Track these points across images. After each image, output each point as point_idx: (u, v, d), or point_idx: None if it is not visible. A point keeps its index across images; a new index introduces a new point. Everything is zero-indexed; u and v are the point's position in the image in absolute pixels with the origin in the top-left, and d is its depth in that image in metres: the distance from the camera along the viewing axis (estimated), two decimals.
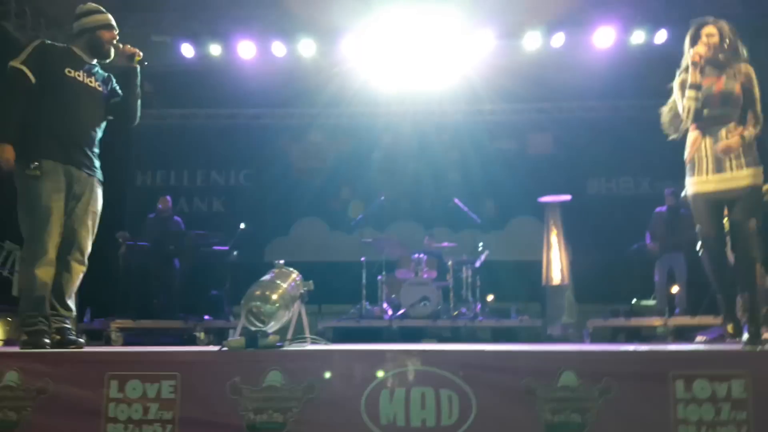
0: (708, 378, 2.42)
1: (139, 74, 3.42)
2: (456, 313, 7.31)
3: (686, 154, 3.46)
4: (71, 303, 3.27)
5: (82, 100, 3.28)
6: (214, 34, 8.00)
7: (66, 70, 3.22)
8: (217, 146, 9.75)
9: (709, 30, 3.46)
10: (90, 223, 3.29)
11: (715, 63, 3.41)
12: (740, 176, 3.24)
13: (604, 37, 7.85)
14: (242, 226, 7.55)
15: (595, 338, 6.80)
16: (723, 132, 3.30)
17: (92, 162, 3.32)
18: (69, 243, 3.20)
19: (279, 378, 2.46)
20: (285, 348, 2.68)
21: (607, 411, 2.40)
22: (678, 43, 8.26)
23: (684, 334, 6.41)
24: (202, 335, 6.89)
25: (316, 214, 9.63)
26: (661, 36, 7.80)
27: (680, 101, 3.44)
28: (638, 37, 7.86)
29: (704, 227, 3.39)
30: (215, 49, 8.05)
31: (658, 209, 7.42)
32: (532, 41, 7.92)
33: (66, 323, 3.20)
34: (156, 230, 7.50)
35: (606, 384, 2.42)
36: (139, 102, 3.46)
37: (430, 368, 2.45)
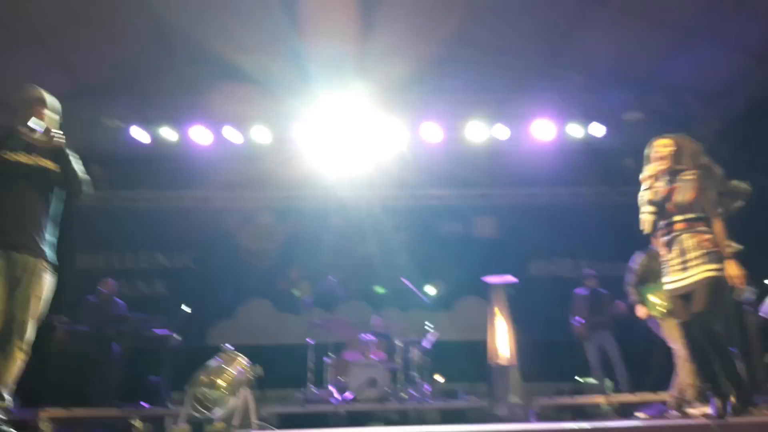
0: None
1: (65, 150, 3.32)
2: (405, 395, 7.22)
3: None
4: (5, 392, 3.11)
5: (20, 182, 3.23)
6: (167, 118, 8.15)
7: (3, 153, 3.20)
8: (164, 228, 9.63)
9: (662, 142, 3.83)
10: (31, 307, 3.18)
11: (671, 173, 3.73)
12: (700, 271, 3.58)
13: (543, 129, 8.46)
14: (185, 308, 7.37)
15: (542, 417, 6.81)
16: (685, 237, 3.63)
17: (36, 244, 3.25)
18: (8, 328, 3.08)
19: None
20: None
21: None
22: (612, 137, 8.92)
23: (627, 411, 6.52)
24: (138, 424, 6.53)
25: (263, 296, 9.52)
26: (597, 130, 8.44)
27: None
28: (575, 130, 8.49)
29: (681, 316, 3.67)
30: (167, 133, 8.17)
31: (578, 291, 7.76)
32: (477, 132, 8.45)
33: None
34: (96, 314, 7.24)
35: None
36: (78, 176, 3.38)
37: None
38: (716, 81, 8.15)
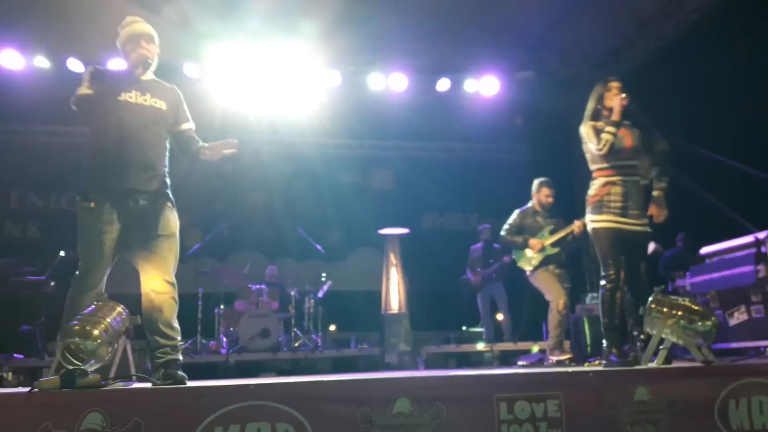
0: (527, 399, 2.63)
1: None
2: (297, 344, 7.24)
3: (589, 195, 3.89)
4: None
5: None
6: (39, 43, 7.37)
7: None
8: (36, 166, 8.81)
9: (618, 85, 3.89)
10: None
11: (625, 116, 3.81)
12: (641, 223, 3.78)
13: (439, 82, 8.50)
14: (62, 253, 6.86)
15: (429, 364, 7.09)
16: (633, 180, 3.79)
17: None
18: None
19: (99, 420, 2.25)
20: (107, 388, 2.46)
21: None
22: (504, 92, 9.09)
23: (508, 358, 6.92)
24: (9, 376, 6.09)
25: None
26: (490, 86, 8.59)
27: (593, 139, 3.79)
28: (470, 85, 8.60)
29: (611, 262, 3.78)
30: (42, 62, 7.42)
31: (473, 246, 8.09)
32: (376, 82, 8.33)
33: None
34: None
35: (437, 408, 2.53)
36: None
37: (265, 402, 2.39)
38: (603, 46, 8.53)
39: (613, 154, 3.79)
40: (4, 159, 8.70)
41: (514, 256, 5.77)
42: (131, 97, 3.13)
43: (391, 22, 7.93)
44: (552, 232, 5.49)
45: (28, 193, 9.03)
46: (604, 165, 3.84)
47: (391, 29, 8.09)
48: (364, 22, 7.90)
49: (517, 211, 5.72)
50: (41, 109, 7.93)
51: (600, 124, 3.83)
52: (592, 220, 3.86)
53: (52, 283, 6.85)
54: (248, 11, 7.38)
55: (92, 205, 3.00)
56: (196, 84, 7.90)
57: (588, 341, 7.23)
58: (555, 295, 5.38)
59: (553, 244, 5.44)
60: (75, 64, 7.45)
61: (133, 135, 3.10)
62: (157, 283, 3.02)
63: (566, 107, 9.38)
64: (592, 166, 3.93)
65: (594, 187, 3.89)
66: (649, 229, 3.85)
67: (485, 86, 8.64)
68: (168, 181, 3.31)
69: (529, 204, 5.69)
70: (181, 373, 2.86)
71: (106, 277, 3.12)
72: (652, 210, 3.84)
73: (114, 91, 3.10)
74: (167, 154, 3.31)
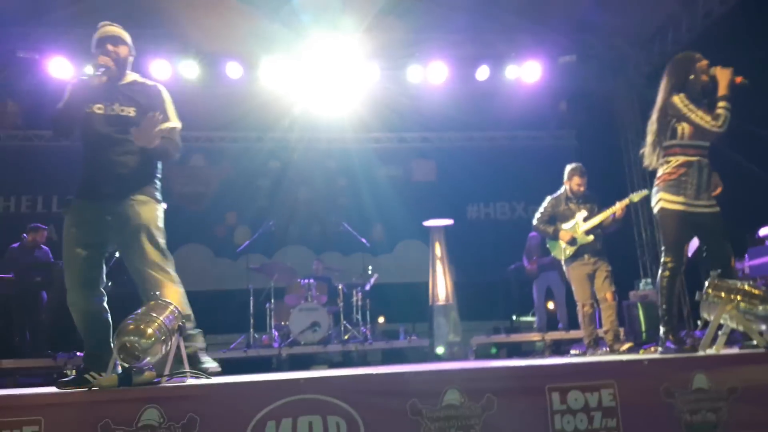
0: (580, 389, 2.57)
1: None
2: (347, 337, 7.30)
3: (665, 173, 3.67)
4: None
5: None
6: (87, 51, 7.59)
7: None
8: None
9: (705, 60, 3.68)
10: None
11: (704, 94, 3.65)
12: (710, 204, 3.63)
13: (482, 72, 8.36)
14: (117, 254, 7.09)
15: (479, 355, 7.05)
16: (705, 162, 3.63)
17: None
18: None
19: (156, 416, 2.32)
20: (162, 384, 2.53)
21: (489, 426, 2.47)
22: (547, 78, 8.88)
23: (561, 347, 6.81)
24: (73, 373, 6.34)
25: (199, 241, 9.29)
26: (532, 72, 8.41)
27: (697, 113, 3.56)
28: (511, 72, 8.44)
29: (674, 246, 3.65)
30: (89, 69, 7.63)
31: (532, 234, 7.91)
32: (415, 74, 8.28)
33: None
34: (21, 261, 6.88)
35: (488, 400, 2.50)
36: None
37: (316, 396, 2.41)
38: (648, 25, 8.25)
39: (699, 133, 3.61)
40: (60, 165, 9.04)
41: (548, 245, 5.56)
42: (99, 108, 3.13)
43: (430, 13, 7.87)
44: (586, 219, 5.25)
45: None
46: (689, 143, 3.63)
47: (430, 20, 8.03)
48: (402, 14, 7.87)
49: (548, 198, 5.48)
50: None
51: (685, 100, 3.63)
52: (664, 200, 3.65)
53: (109, 284, 7.08)
54: (291, 9, 7.41)
55: (64, 212, 3.12)
56: (237, 85, 8.02)
57: (643, 328, 7.06)
58: (580, 296, 5.19)
59: (588, 232, 5.19)
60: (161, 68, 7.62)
61: (99, 145, 3.12)
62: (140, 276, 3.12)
63: (612, 90, 9.15)
64: (669, 142, 3.67)
65: (670, 165, 3.65)
66: (718, 209, 3.65)
67: (527, 72, 8.48)
68: (152, 180, 3.30)
69: (561, 189, 5.46)
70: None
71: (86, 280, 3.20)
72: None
73: (84, 103, 3.13)
74: (150, 156, 3.21)
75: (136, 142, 3.04)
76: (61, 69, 7.54)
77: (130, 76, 3.32)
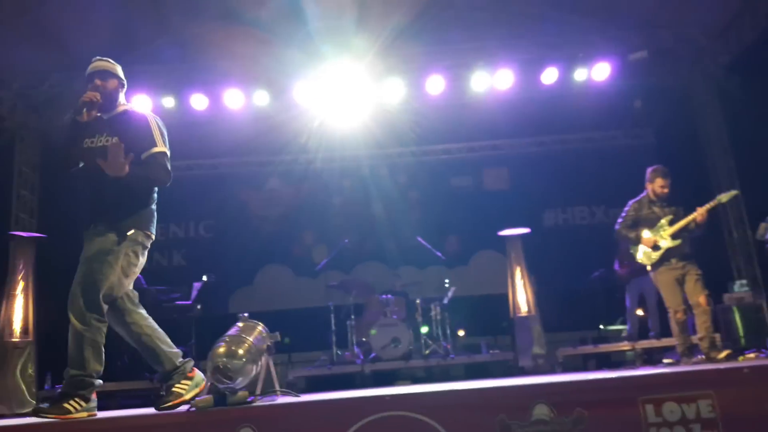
0: (676, 400, 2.47)
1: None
2: (428, 352, 7.28)
3: None
4: None
5: None
6: (166, 87, 8.00)
7: None
8: (174, 198, 9.57)
9: None
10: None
11: None
12: None
13: (549, 75, 8.19)
14: (204, 278, 7.42)
15: (566, 367, 6.84)
16: None
17: None
18: None
19: None
20: (255, 404, 2.62)
21: None
22: (619, 76, 8.60)
23: (653, 357, 6.52)
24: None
25: (280, 261, 9.56)
26: (602, 71, 8.17)
27: None
28: (580, 73, 8.23)
29: None
30: (168, 102, 8.04)
31: None
32: (480, 82, 8.21)
33: None
34: None
35: (578, 414, 2.44)
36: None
37: (403, 412, 2.43)
38: (722, 13, 7.82)
39: None
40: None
41: (631, 251, 5.33)
42: (92, 142, 3.23)
43: (491, 19, 7.81)
44: (672, 223, 5.05)
45: (169, 224, 9.84)
46: None
47: (491, 27, 7.97)
48: (463, 22, 7.86)
49: (631, 202, 5.31)
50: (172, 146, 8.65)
51: None
52: None
53: (198, 307, 7.41)
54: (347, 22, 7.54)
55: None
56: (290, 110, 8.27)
57: (741, 333, 6.65)
58: (672, 303, 4.99)
59: (674, 236, 5.00)
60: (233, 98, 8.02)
61: (92, 178, 3.22)
62: None
63: (688, 84, 8.75)
64: None
65: None
66: None
67: (596, 72, 8.20)
68: (138, 210, 3.35)
69: (644, 193, 5.27)
70: None
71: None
72: None
73: (81, 139, 3.24)
74: (127, 184, 3.18)
75: (106, 172, 3.02)
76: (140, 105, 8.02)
77: (122, 107, 3.38)
